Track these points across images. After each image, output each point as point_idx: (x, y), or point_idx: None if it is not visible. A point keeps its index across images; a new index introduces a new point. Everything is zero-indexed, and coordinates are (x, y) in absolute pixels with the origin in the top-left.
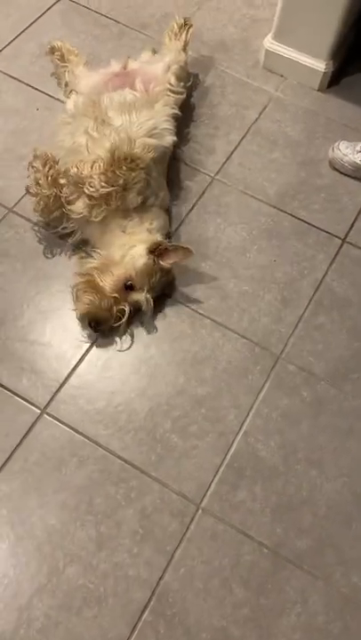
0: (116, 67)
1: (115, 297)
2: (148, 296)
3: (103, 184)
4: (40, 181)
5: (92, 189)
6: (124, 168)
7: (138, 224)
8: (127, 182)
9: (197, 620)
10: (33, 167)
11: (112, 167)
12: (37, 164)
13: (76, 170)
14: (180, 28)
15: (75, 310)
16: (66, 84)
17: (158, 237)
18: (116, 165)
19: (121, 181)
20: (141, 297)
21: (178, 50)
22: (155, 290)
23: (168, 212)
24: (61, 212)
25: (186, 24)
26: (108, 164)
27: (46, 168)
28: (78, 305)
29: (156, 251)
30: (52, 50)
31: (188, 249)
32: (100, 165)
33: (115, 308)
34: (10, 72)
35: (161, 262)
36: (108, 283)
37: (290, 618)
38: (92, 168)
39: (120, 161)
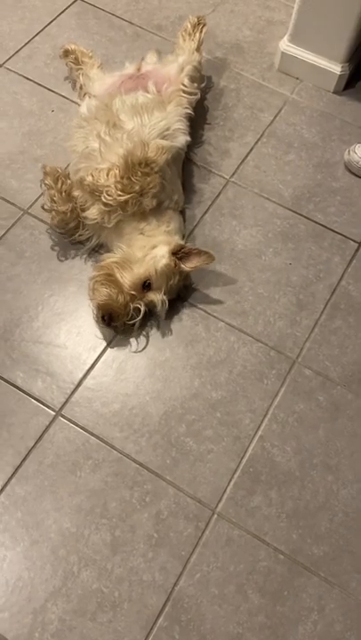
0: (129, 69)
1: (132, 294)
2: (165, 298)
3: (120, 192)
4: (55, 198)
5: (109, 198)
6: (139, 174)
7: (155, 227)
8: (143, 188)
9: (213, 627)
10: (45, 184)
11: (127, 174)
12: (49, 181)
13: (91, 178)
14: (194, 27)
15: (91, 300)
16: (80, 87)
17: (178, 239)
18: (131, 172)
19: (137, 187)
20: (157, 298)
21: (191, 50)
22: (171, 292)
23: (182, 214)
24: (77, 222)
25: (199, 23)
26: (124, 172)
27: (59, 184)
28: (95, 296)
29: (178, 253)
30: (66, 53)
31: (210, 254)
32: (115, 173)
33: (131, 306)
34: (25, 74)
35: (182, 265)
36: (127, 279)
37: (306, 626)
38: (107, 176)
39: (135, 167)
